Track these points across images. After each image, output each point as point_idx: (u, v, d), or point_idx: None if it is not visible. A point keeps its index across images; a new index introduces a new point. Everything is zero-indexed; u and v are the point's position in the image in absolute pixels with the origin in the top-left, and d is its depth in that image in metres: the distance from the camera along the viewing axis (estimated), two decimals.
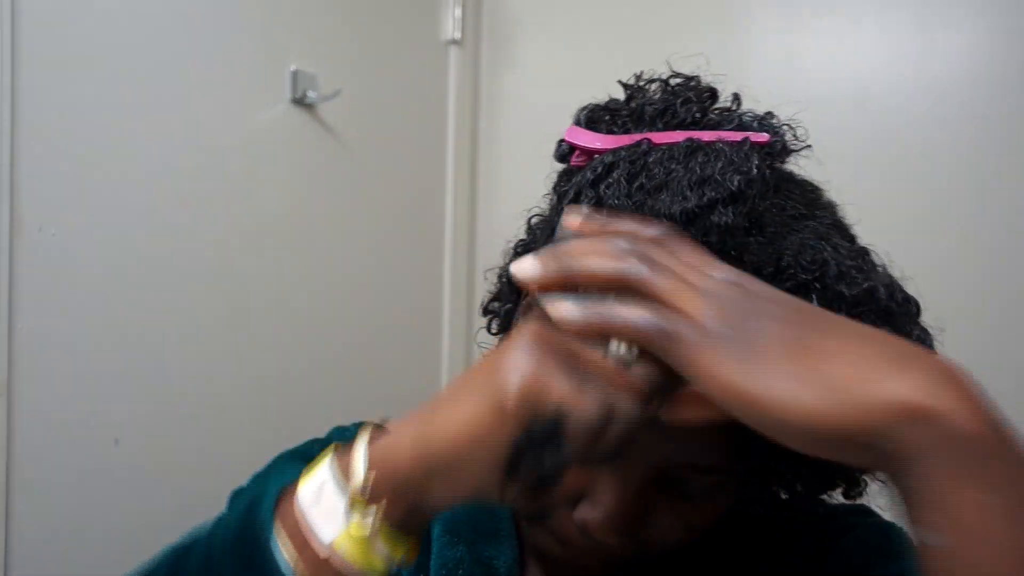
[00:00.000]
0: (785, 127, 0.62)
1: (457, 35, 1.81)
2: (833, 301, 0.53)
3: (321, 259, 1.54)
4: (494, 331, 0.72)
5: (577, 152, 0.63)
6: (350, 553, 0.47)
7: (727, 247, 0.53)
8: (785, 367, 0.43)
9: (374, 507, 0.47)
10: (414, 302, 1.76)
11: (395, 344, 1.70)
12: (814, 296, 0.53)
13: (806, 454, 0.44)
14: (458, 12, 1.81)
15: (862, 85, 1.56)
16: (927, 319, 0.61)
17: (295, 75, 1.46)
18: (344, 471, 0.49)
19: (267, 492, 0.51)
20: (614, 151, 0.59)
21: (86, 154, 1.17)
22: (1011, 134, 1.47)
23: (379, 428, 0.50)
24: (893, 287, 0.57)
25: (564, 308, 0.47)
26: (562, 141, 0.65)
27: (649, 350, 0.46)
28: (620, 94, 0.69)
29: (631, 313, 0.46)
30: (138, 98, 1.23)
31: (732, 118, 0.61)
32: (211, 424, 1.34)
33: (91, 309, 1.18)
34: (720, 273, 0.48)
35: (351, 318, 1.60)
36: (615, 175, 0.57)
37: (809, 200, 0.59)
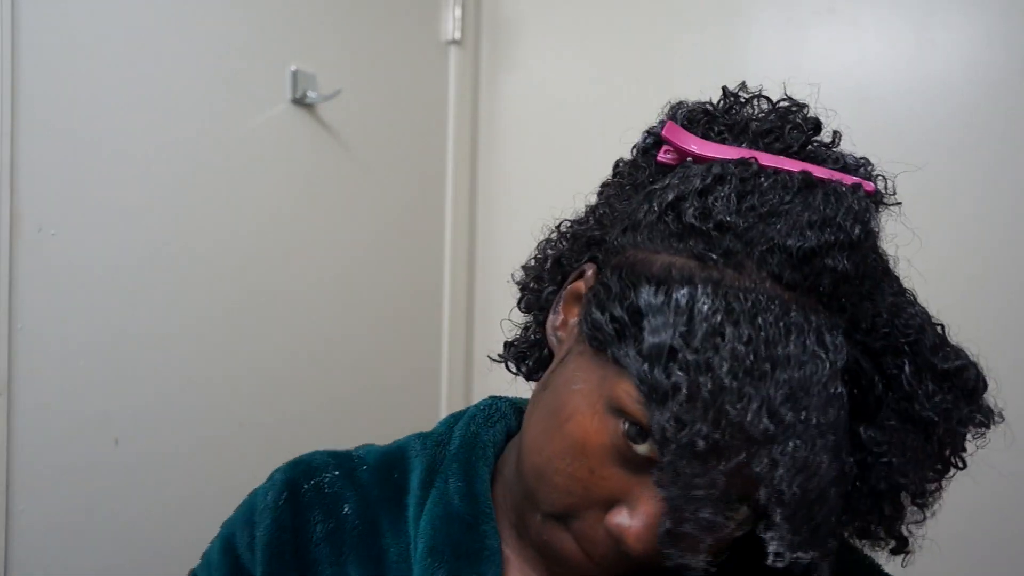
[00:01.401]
0: (880, 177, 0.63)
1: (457, 35, 1.81)
2: (923, 370, 0.54)
3: (321, 259, 1.54)
4: (523, 308, 0.71)
5: (666, 148, 0.62)
6: None
7: (837, 294, 0.53)
8: None
9: None
10: (414, 302, 1.76)
11: (395, 344, 1.70)
12: (907, 361, 0.54)
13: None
14: (458, 12, 1.81)
15: (862, 85, 1.56)
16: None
17: (295, 75, 1.46)
18: None
19: None
20: (721, 164, 0.58)
21: (86, 154, 1.17)
22: (1010, 134, 1.48)
23: None
24: (979, 368, 0.58)
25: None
26: (649, 131, 0.64)
27: None
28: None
29: None
30: (138, 98, 1.23)
31: (836, 157, 0.62)
32: (211, 424, 1.34)
33: (91, 309, 1.18)
34: None
35: (351, 318, 1.60)
36: (725, 189, 0.56)
37: (881, 252, 0.60)
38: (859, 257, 0.54)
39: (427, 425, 0.78)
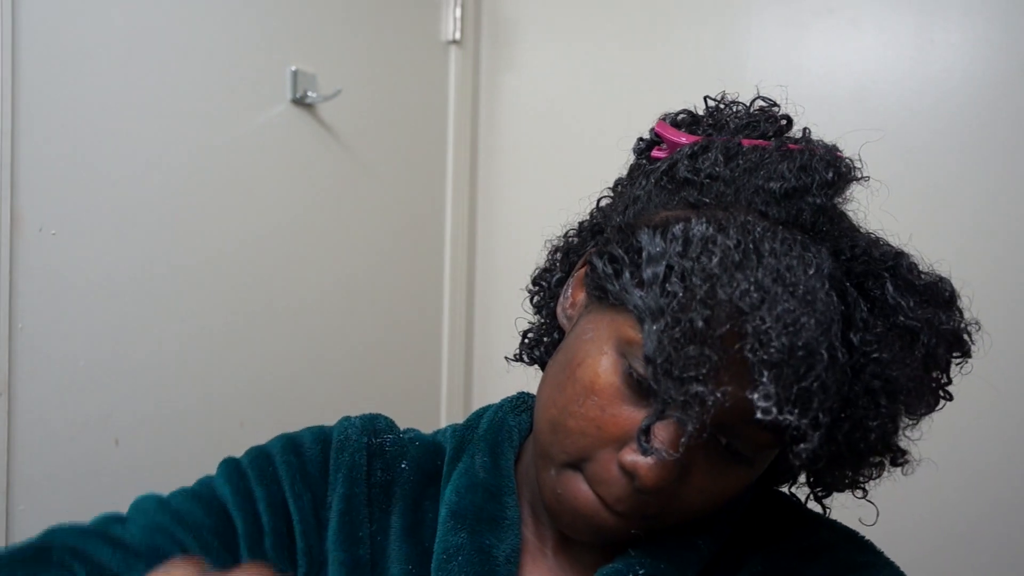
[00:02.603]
0: (850, 159, 0.68)
1: (457, 35, 1.81)
2: (904, 288, 0.61)
3: (321, 259, 1.54)
4: (535, 306, 0.76)
5: (659, 146, 0.69)
6: None
7: (819, 225, 0.61)
8: None
9: None
10: (414, 301, 1.76)
11: (395, 344, 1.70)
12: (888, 281, 0.61)
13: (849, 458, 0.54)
14: (458, 12, 1.81)
15: (862, 85, 1.56)
16: None
17: (295, 75, 1.46)
18: None
19: None
20: (707, 138, 0.66)
21: (86, 154, 1.17)
22: (1010, 133, 1.48)
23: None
24: (952, 284, 0.65)
25: None
26: (643, 138, 0.71)
27: None
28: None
29: None
30: (138, 98, 1.23)
31: (807, 141, 0.68)
32: (211, 424, 1.34)
33: (91, 309, 1.18)
34: None
35: (351, 317, 1.60)
36: (712, 153, 0.64)
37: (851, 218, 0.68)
38: (834, 196, 0.62)
39: (425, 425, 0.79)
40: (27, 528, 1.10)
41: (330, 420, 0.79)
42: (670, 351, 0.55)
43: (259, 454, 0.74)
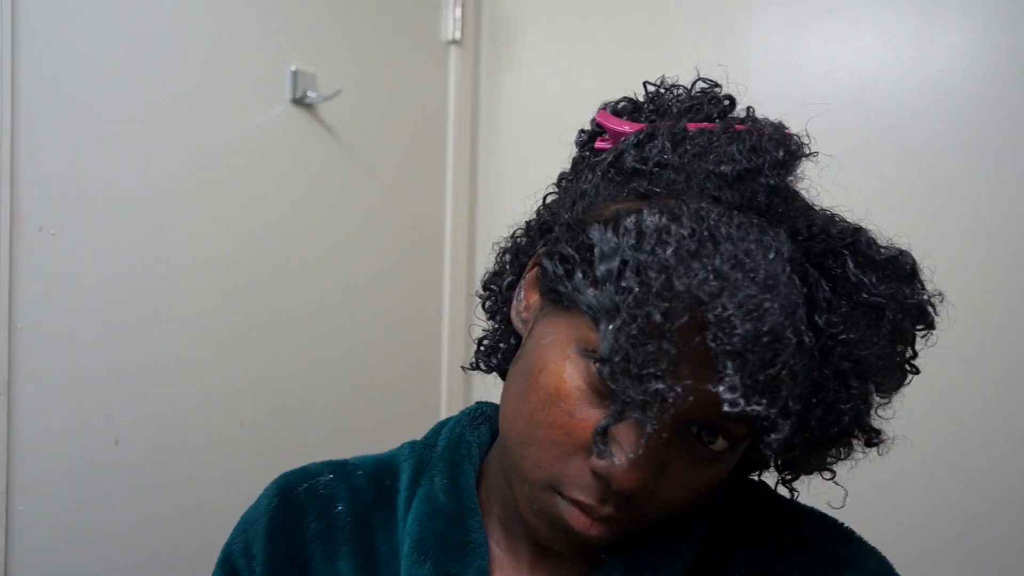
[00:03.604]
0: (796, 136, 0.66)
1: (457, 35, 1.81)
2: (864, 264, 0.59)
3: (321, 259, 1.54)
4: (487, 310, 0.73)
5: (601, 137, 0.67)
6: None
7: (773, 206, 0.59)
8: None
9: None
10: (414, 301, 1.75)
11: (395, 344, 1.70)
12: (848, 259, 0.59)
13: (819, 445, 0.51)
14: (458, 12, 1.81)
15: (862, 85, 1.56)
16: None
17: (295, 75, 1.46)
18: None
19: None
20: (652, 125, 0.64)
21: (86, 154, 1.17)
22: (1010, 133, 1.48)
23: None
24: (912, 257, 0.63)
25: None
26: (584, 129, 0.69)
27: None
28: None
29: None
30: (138, 98, 1.23)
31: (753, 120, 0.66)
32: (211, 424, 1.34)
33: (91, 309, 1.18)
34: None
35: (351, 317, 1.60)
36: (658, 141, 0.62)
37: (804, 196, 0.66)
38: (786, 175, 0.61)
39: (425, 425, 0.79)
40: (27, 528, 1.10)
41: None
42: (627, 349, 0.53)
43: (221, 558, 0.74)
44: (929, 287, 0.63)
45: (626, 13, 1.76)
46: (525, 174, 1.94)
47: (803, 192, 0.65)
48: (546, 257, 0.62)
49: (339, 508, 0.70)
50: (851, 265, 0.59)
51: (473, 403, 0.76)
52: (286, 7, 1.46)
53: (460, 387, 1.83)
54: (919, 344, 0.63)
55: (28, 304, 1.10)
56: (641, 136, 0.62)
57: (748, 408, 0.51)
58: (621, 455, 0.56)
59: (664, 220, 0.55)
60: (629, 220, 0.56)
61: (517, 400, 0.61)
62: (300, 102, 1.47)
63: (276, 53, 1.44)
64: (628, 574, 0.63)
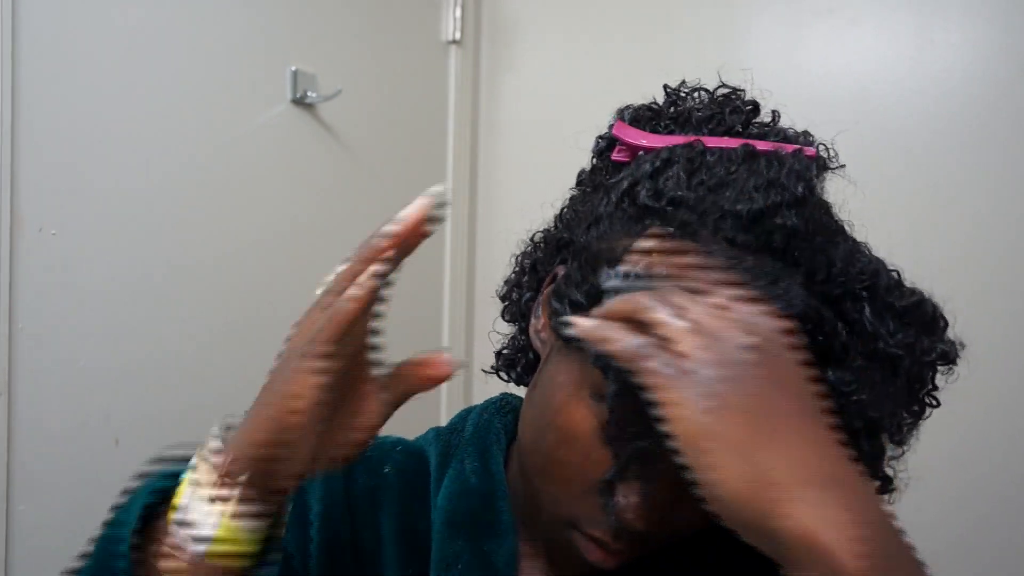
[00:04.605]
0: (821, 145, 0.65)
1: (457, 35, 1.81)
2: (883, 311, 0.57)
3: (321, 259, 1.54)
4: (507, 318, 0.73)
5: (619, 147, 0.65)
6: (223, 549, 0.51)
7: (789, 249, 0.56)
8: (738, 441, 0.46)
9: (234, 490, 0.52)
10: (414, 301, 1.75)
11: (395, 344, 1.70)
12: (866, 304, 0.57)
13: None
14: (458, 12, 1.81)
15: (862, 85, 1.56)
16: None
17: (295, 75, 1.46)
18: (202, 474, 0.54)
19: (122, 531, 0.55)
20: (669, 148, 0.61)
21: (86, 154, 1.17)
22: (1010, 133, 1.48)
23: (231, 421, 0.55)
24: (935, 303, 0.60)
25: (578, 320, 0.52)
26: (602, 136, 0.67)
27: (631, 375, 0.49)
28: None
29: (623, 336, 0.49)
30: (138, 98, 1.23)
31: (777, 131, 0.64)
32: (211, 424, 1.34)
33: (91, 309, 1.18)
34: (745, 331, 0.49)
35: None
36: (674, 169, 0.59)
37: (834, 216, 0.63)
38: (806, 213, 0.57)
39: (424, 425, 0.79)
40: (27, 528, 1.10)
41: None
42: (629, 409, 0.53)
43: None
44: (951, 333, 0.61)
45: (626, 13, 1.76)
46: (525, 174, 1.94)
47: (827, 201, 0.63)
48: (555, 299, 0.61)
49: (387, 469, 0.71)
50: (868, 312, 0.57)
51: (497, 395, 0.76)
52: (286, 7, 1.46)
53: (460, 387, 1.83)
54: (939, 379, 0.62)
55: (28, 304, 1.10)
56: (657, 164, 0.59)
57: None
58: (631, 497, 0.57)
59: (675, 271, 0.55)
60: (640, 265, 0.56)
61: (536, 433, 0.62)
62: (300, 102, 1.47)
63: (276, 53, 1.44)
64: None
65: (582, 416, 0.58)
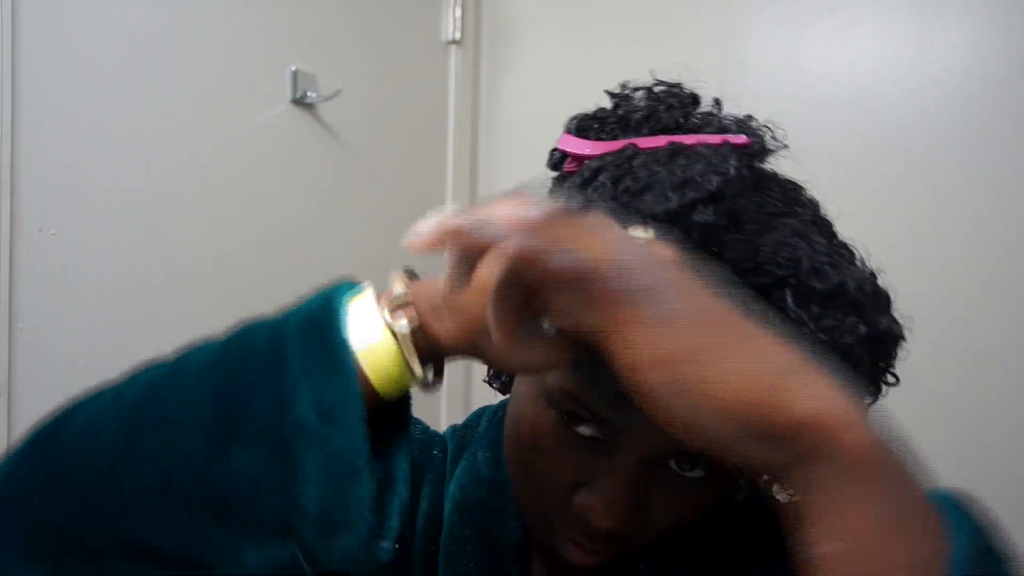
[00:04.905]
0: (765, 128, 0.64)
1: (457, 35, 1.81)
2: (806, 296, 0.56)
3: (321, 259, 1.54)
4: None
5: (569, 159, 0.65)
6: (375, 363, 0.50)
7: (708, 244, 0.56)
8: (716, 344, 0.45)
9: (408, 319, 0.50)
10: None
11: None
12: (788, 291, 0.56)
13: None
14: (458, 12, 1.81)
15: (862, 85, 1.56)
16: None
17: (295, 75, 1.46)
18: (382, 296, 0.52)
19: (335, 306, 0.52)
20: (601, 156, 0.61)
21: (86, 154, 1.17)
22: (1010, 133, 1.48)
23: (413, 274, 0.53)
24: (863, 281, 0.59)
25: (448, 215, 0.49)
26: (554, 150, 0.68)
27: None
28: (607, 102, 0.71)
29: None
30: (138, 98, 1.23)
31: (713, 122, 0.64)
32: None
33: (91, 309, 1.18)
34: (648, 250, 0.48)
35: None
36: (601, 179, 0.59)
37: (789, 198, 0.62)
38: (723, 206, 0.56)
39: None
40: None
41: None
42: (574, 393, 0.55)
43: None
44: (896, 311, 0.60)
45: (626, 13, 1.76)
46: (525, 174, 1.93)
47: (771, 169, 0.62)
48: None
49: (435, 452, 0.73)
50: (790, 299, 0.56)
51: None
52: (286, 7, 1.46)
53: (460, 387, 1.83)
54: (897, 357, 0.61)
55: (28, 304, 1.10)
56: (586, 175, 0.60)
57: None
58: (593, 498, 0.58)
59: None
60: None
61: (509, 442, 0.64)
62: (300, 102, 1.47)
63: (276, 53, 1.44)
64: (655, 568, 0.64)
65: (540, 423, 0.59)
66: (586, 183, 0.60)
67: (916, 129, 1.53)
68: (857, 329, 0.57)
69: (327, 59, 1.53)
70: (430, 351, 0.50)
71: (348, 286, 0.54)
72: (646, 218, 0.56)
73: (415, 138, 1.76)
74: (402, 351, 0.50)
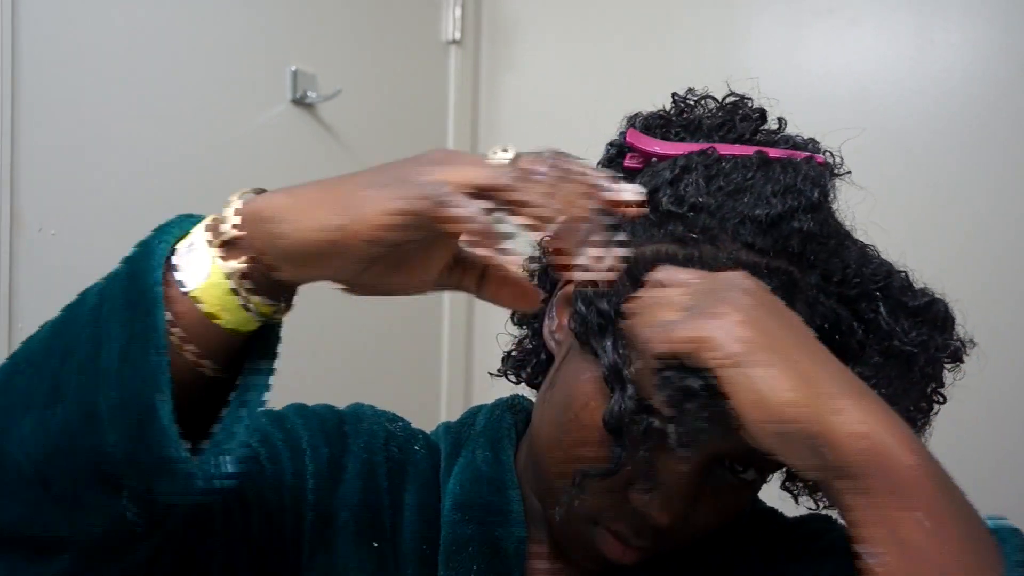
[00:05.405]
0: (827, 152, 0.66)
1: (457, 35, 1.81)
2: (897, 309, 0.59)
3: None
4: (516, 321, 0.75)
5: (632, 154, 0.66)
6: (211, 299, 0.47)
7: (805, 252, 0.58)
8: (782, 351, 0.47)
9: (236, 261, 0.47)
10: (414, 301, 1.75)
11: (395, 344, 1.70)
12: (880, 304, 0.59)
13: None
14: (458, 12, 1.81)
15: (862, 85, 1.56)
16: None
17: (295, 75, 1.46)
18: (214, 229, 0.49)
19: (153, 249, 0.50)
20: (685, 155, 0.62)
21: (86, 154, 1.17)
22: (1010, 133, 1.48)
23: (259, 191, 0.51)
24: (946, 302, 0.62)
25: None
26: (612, 143, 0.68)
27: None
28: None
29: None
30: (138, 98, 1.23)
31: (786, 139, 0.66)
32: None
33: None
34: (734, 275, 0.51)
35: (351, 318, 1.60)
36: (693, 176, 0.60)
37: (840, 219, 0.65)
38: (821, 217, 0.59)
39: (423, 427, 0.79)
40: None
41: None
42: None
43: (271, 412, 0.71)
44: (960, 331, 0.63)
45: (626, 13, 1.76)
46: None
47: (836, 212, 0.64)
48: (581, 300, 0.61)
49: (417, 447, 0.72)
50: (883, 311, 0.59)
51: (508, 395, 0.77)
52: (286, 7, 1.46)
53: (460, 388, 1.83)
54: (947, 378, 0.64)
55: (28, 304, 1.10)
56: (675, 171, 0.61)
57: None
58: (654, 491, 0.58)
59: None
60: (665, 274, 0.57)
61: (556, 430, 0.62)
62: (300, 102, 1.47)
63: (276, 53, 1.44)
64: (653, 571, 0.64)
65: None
66: (676, 180, 0.61)
67: (916, 129, 1.53)
68: (947, 346, 0.60)
69: (327, 59, 1.53)
70: (270, 284, 0.49)
71: (180, 220, 0.53)
72: (743, 220, 0.58)
73: (415, 138, 1.76)
74: (234, 289, 0.47)
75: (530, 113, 1.85)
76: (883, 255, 0.65)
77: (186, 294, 0.47)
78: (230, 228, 0.48)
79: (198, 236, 0.49)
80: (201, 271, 0.48)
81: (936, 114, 1.52)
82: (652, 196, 0.61)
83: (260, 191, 0.51)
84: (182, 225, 0.52)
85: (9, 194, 1.08)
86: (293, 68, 1.46)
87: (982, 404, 1.46)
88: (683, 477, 0.58)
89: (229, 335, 0.48)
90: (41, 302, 1.12)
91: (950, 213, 1.50)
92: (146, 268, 0.48)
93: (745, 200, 0.58)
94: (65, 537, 0.48)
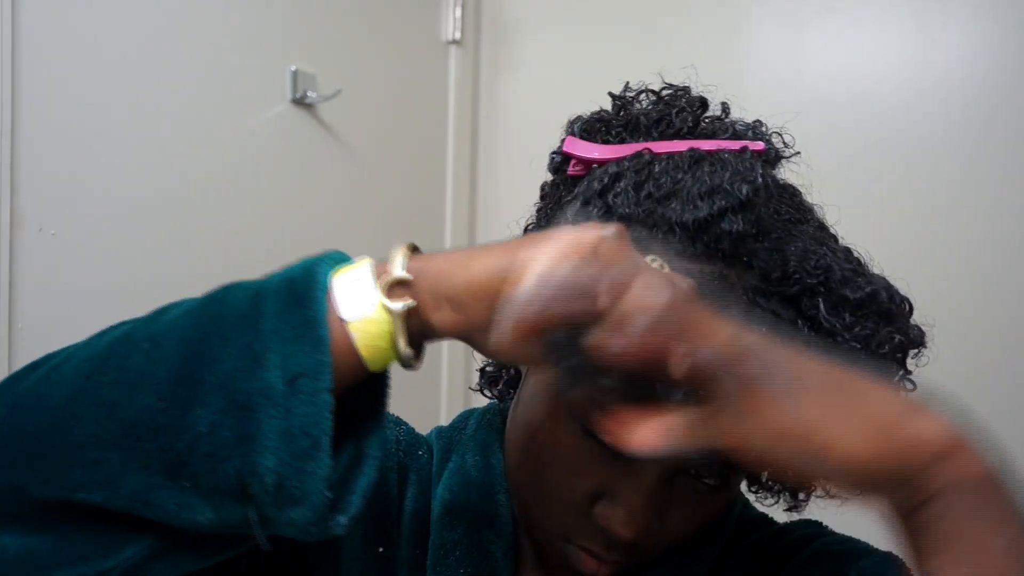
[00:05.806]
0: (775, 134, 0.64)
1: (457, 35, 1.81)
2: (838, 304, 0.56)
3: None
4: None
5: (574, 162, 0.64)
6: (364, 334, 0.47)
7: (739, 253, 0.56)
8: (834, 406, 0.45)
9: (403, 301, 0.47)
10: None
11: None
12: (821, 300, 0.56)
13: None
14: (458, 12, 1.81)
15: (862, 85, 1.56)
16: (930, 317, 0.62)
17: (295, 75, 1.46)
18: (379, 270, 0.48)
19: (317, 276, 0.50)
20: (617, 161, 0.60)
21: (86, 154, 1.17)
22: (1011, 133, 1.48)
23: (415, 249, 0.50)
24: (891, 289, 0.59)
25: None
26: (556, 152, 0.67)
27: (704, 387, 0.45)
28: (606, 104, 0.70)
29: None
30: (138, 98, 1.23)
31: (726, 127, 0.64)
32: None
33: (91, 309, 1.18)
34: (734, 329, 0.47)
35: None
36: (622, 184, 0.58)
37: (796, 204, 0.62)
38: (753, 215, 0.56)
39: (422, 429, 0.79)
40: None
41: None
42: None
43: None
44: (916, 317, 0.61)
45: (626, 13, 1.76)
46: (525, 174, 1.93)
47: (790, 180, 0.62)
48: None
49: (420, 453, 0.72)
50: (823, 307, 0.56)
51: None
52: (286, 7, 1.46)
53: (460, 388, 1.83)
54: (912, 363, 0.61)
55: (28, 304, 1.10)
56: (605, 180, 0.59)
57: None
58: (617, 508, 0.57)
59: None
60: None
61: (520, 454, 0.63)
62: (300, 102, 1.47)
63: (276, 53, 1.44)
64: None
65: (561, 433, 0.58)
66: (605, 189, 0.59)
67: (917, 129, 1.52)
68: (893, 338, 0.58)
69: (327, 59, 1.53)
70: (419, 332, 0.49)
71: (335, 256, 0.52)
72: (672, 226, 0.56)
73: (415, 138, 1.76)
74: (394, 328, 0.47)
75: (530, 113, 1.85)
76: (881, 254, 0.62)
77: (344, 322, 0.47)
78: (400, 271, 0.48)
79: (363, 273, 0.49)
80: (364, 306, 0.48)
81: (937, 114, 1.51)
82: (584, 209, 0.59)
83: (415, 247, 0.50)
84: (335, 259, 0.52)
85: (9, 194, 1.08)
86: (293, 68, 1.46)
87: (982, 405, 1.46)
88: (644, 491, 0.57)
89: (359, 372, 0.48)
90: (41, 302, 1.12)
91: (951, 214, 1.50)
92: (312, 297, 0.48)
93: (672, 206, 0.56)
94: (166, 520, 0.47)
